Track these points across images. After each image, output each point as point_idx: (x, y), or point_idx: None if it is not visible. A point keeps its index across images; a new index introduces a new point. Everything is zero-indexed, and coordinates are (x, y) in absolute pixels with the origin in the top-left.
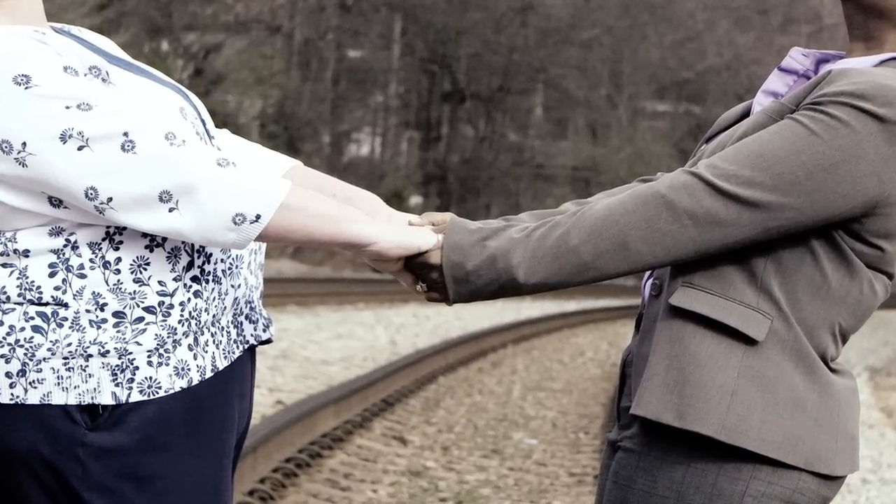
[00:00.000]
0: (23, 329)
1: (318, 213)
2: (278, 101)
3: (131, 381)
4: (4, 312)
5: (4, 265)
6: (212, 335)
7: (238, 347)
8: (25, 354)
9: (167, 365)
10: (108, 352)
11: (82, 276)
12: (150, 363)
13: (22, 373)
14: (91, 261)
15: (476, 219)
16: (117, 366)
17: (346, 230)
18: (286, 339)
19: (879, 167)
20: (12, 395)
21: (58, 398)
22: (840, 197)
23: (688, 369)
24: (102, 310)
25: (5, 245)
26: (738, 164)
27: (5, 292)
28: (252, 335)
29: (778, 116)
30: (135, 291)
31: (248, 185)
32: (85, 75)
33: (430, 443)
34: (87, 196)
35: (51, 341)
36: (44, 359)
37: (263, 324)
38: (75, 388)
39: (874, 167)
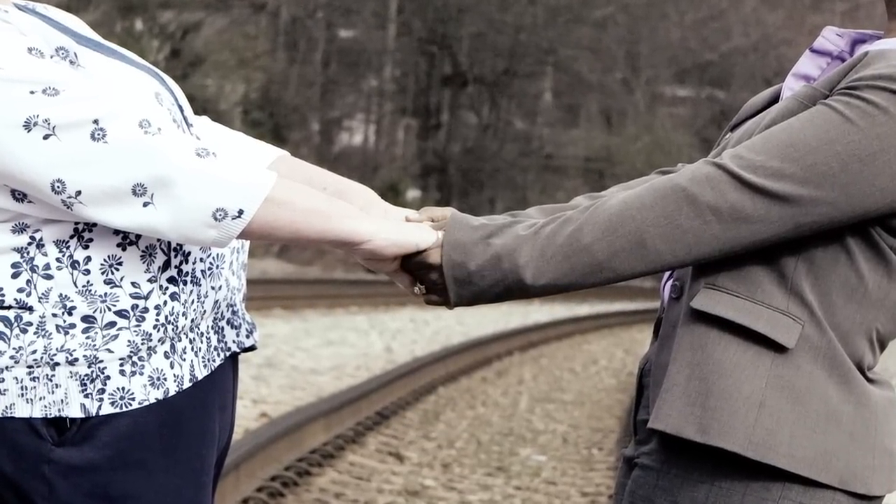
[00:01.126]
0: None
1: (307, 208)
2: (263, 86)
3: (102, 391)
4: None
5: None
6: (190, 342)
7: (219, 355)
8: None
9: (141, 374)
10: (76, 360)
11: (48, 277)
12: (122, 372)
13: None
14: (58, 260)
15: (479, 214)
16: (87, 375)
17: (337, 226)
18: (271, 346)
19: None
20: None
21: (21, 411)
22: (878, 190)
23: (711, 379)
24: (70, 314)
25: None
26: (766, 154)
27: None
28: (234, 341)
29: (810, 102)
30: (106, 294)
31: (229, 178)
32: (51, 57)
33: (429, 459)
34: (53, 189)
35: (14, 348)
36: (6, 367)
37: (247, 329)
38: (41, 399)
39: None
